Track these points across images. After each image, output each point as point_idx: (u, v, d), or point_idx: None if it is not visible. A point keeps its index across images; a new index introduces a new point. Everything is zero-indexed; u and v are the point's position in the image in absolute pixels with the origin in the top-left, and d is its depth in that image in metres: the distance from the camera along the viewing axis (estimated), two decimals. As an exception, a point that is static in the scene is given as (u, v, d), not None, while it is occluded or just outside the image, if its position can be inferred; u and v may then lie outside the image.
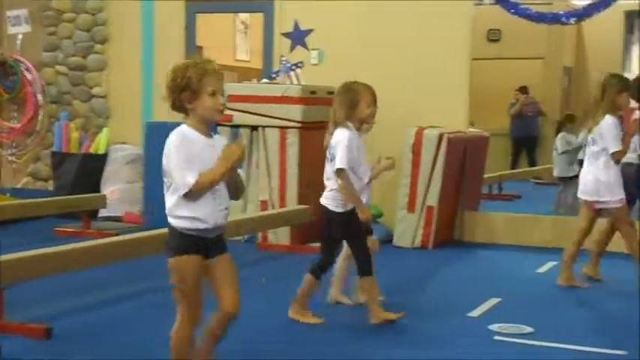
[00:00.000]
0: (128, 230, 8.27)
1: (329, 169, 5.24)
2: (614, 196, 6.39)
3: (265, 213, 8.12)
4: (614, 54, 16.63)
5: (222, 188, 3.67)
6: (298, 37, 9.48)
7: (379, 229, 8.53)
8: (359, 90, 5.22)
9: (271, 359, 4.67)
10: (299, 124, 8.19)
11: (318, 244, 5.72)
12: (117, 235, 7.18)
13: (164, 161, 3.60)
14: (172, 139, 3.59)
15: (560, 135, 10.73)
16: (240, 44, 12.88)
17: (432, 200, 8.42)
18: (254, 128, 8.42)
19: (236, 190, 3.78)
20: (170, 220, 3.65)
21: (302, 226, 8.06)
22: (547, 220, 8.81)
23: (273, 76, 9.04)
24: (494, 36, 15.29)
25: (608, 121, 6.34)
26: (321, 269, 5.40)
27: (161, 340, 3.81)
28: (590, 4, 8.95)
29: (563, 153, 10.57)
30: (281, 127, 8.26)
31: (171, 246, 3.66)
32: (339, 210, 5.22)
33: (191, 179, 3.51)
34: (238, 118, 8.38)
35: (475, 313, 5.67)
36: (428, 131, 8.47)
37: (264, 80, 8.99)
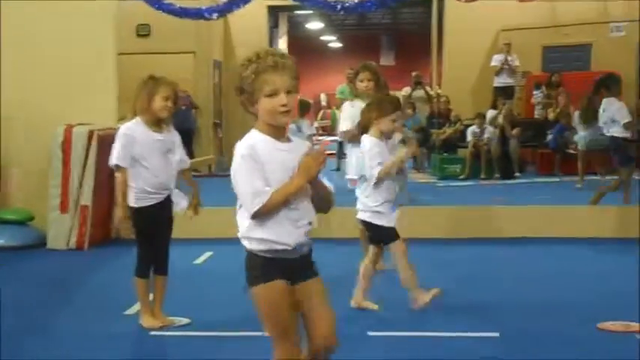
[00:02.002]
0: None
1: None
2: None
3: None
4: (260, 47, 17.40)
5: (302, 201, 3.13)
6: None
7: (29, 233, 8.19)
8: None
9: None
10: None
11: None
12: None
13: (232, 173, 3.12)
14: (238, 149, 3.11)
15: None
16: None
17: (86, 199, 8.22)
18: None
19: (321, 202, 3.21)
20: (244, 243, 3.18)
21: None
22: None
23: None
24: (143, 31, 15.30)
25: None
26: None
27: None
28: (230, 0, 9.23)
29: None
30: None
31: (253, 274, 3.17)
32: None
33: (258, 200, 3.03)
34: None
35: (131, 311, 5.62)
36: (77, 129, 8.26)
37: None
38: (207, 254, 7.66)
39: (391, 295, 6.02)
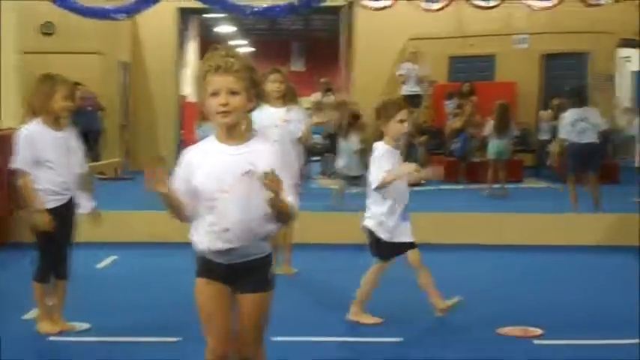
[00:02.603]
0: None
1: None
2: None
3: None
4: (169, 49, 17.20)
5: (225, 206, 3.14)
6: None
7: None
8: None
9: None
10: None
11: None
12: None
13: None
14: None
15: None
16: None
17: (-16, 201, 7.96)
18: None
19: (287, 217, 3.22)
20: None
21: None
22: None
23: None
24: (48, 29, 14.92)
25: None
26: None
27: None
28: (137, 0, 9.09)
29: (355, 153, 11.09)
30: None
31: (197, 268, 3.33)
32: None
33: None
34: None
35: (29, 315, 5.45)
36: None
37: None
38: (111, 258, 7.51)
39: (296, 299, 6.03)
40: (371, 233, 5.43)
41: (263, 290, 3.28)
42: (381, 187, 5.28)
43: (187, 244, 3.33)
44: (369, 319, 5.48)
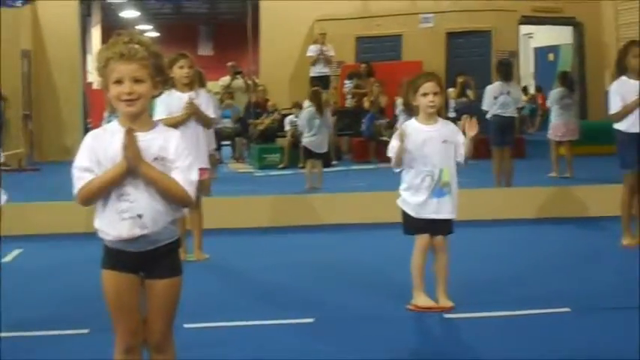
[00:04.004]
0: None
1: None
2: None
3: None
4: (72, 36, 16.81)
5: (138, 191, 3.11)
6: None
7: None
8: None
9: None
10: None
11: None
12: None
13: None
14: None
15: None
16: None
17: None
18: None
19: (163, 194, 3.14)
20: None
21: None
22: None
23: None
24: (-58, 17, 14.37)
25: None
26: None
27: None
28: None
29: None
30: None
31: (102, 258, 3.25)
32: None
33: (78, 183, 3.12)
34: None
35: None
36: None
37: None
38: (17, 252, 7.30)
39: (209, 285, 5.99)
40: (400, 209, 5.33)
41: (173, 276, 3.25)
42: (398, 166, 5.22)
43: (93, 235, 3.26)
44: (425, 302, 5.25)
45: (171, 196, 3.15)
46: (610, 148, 8.28)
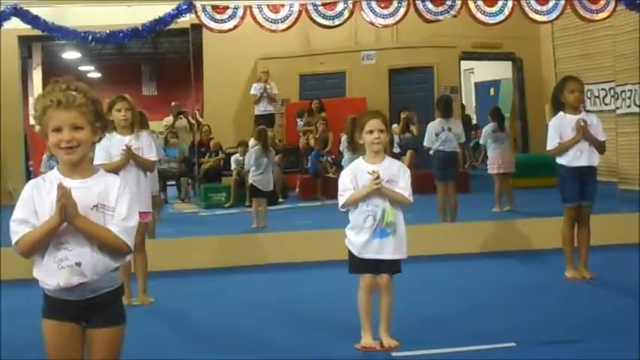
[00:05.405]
0: None
1: None
2: None
3: None
4: (12, 78, 16.55)
5: (76, 240, 3.06)
6: None
7: None
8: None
9: None
10: None
11: None
12: None
13: None
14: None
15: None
16: None
17: None
18: None
19: (102, 245, 3.10)
20: None
21: None
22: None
23: None
24: None
25: None
26: None
27: None
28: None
29: None
30: None
31: (43, 307, 3.18)
32: None
33: (17, 232, 3.06)
34: None
35: None
36: None
37: None
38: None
39: (153, 329, 5.90)
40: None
41: (115, 324, 3.20)
42: (346, 208, 5.21)
43: (34, 281, 3.19)
44: (369, 343, 5.22)
45: (108, 247, 3.11)
46: (551, 180, 8.43)
